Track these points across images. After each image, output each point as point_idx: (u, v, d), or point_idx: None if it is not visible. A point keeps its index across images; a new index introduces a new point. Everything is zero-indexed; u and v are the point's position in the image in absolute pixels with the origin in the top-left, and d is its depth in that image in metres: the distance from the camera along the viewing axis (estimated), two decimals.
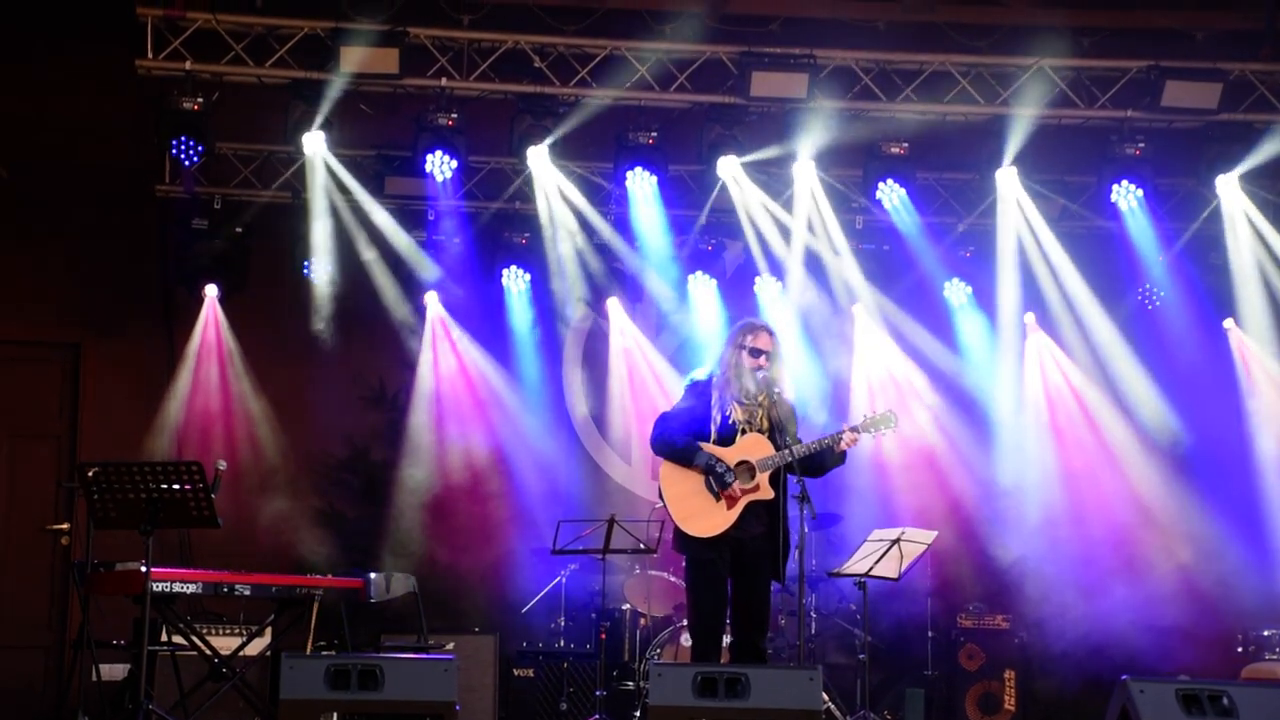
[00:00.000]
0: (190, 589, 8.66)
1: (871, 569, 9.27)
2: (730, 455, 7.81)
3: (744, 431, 7.86)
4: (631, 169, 11.23)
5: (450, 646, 10.40)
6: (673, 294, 12.13)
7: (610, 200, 11.81)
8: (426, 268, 11.71)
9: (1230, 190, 11.52)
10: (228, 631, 9.72)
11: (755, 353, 7.92)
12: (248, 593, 8.88)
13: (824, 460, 7.92)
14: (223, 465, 8.68)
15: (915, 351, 12.24)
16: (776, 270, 11.96)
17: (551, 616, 10.92)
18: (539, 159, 11.23)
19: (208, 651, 8.98)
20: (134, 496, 7.97)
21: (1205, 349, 12.02)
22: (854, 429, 7.92)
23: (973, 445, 12.06)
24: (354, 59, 10.50)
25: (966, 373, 12.20)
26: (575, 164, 11.53)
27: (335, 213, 11.52)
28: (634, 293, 12.22)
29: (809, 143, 11.25)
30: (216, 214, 11.40)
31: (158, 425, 11.30)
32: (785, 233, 11.78)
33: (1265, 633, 10.54)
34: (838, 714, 10.02)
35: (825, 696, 9.46)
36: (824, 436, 7.89)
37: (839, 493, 10.89)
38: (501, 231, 11.81)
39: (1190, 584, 11.52)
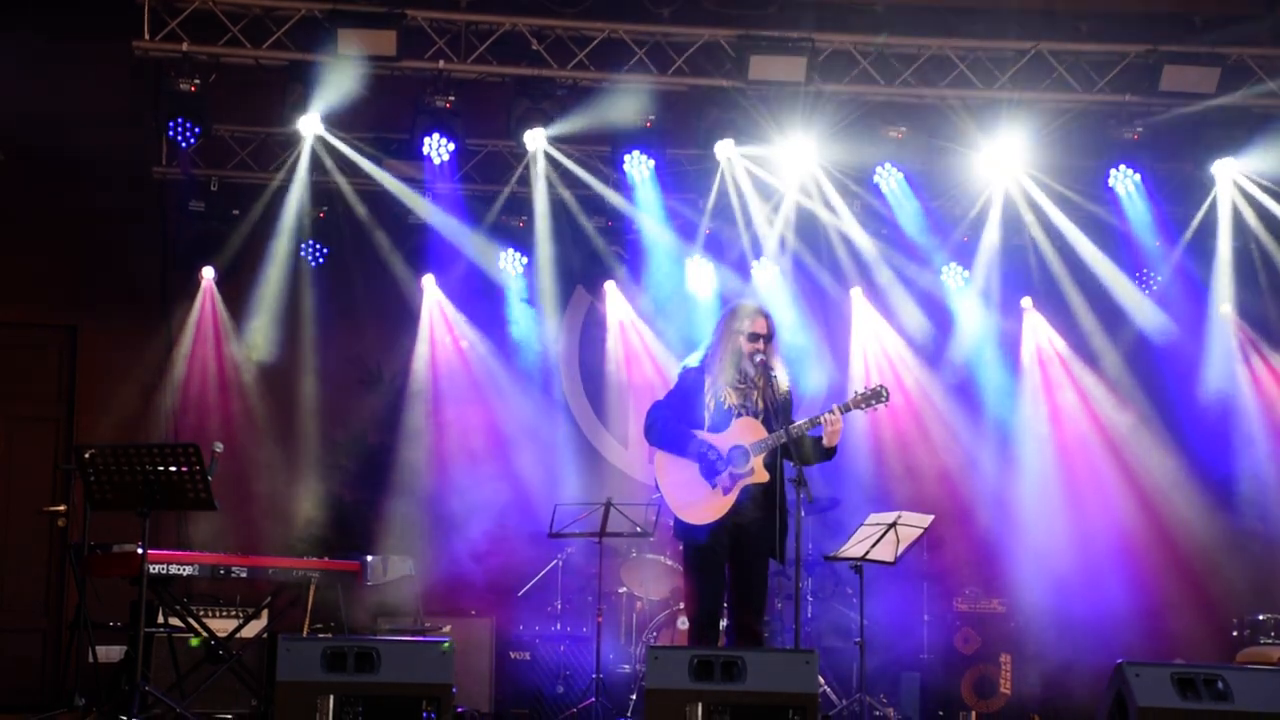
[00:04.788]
0: (187, 571, 8.68)
1: (868, 553, 9.27)
2: (724, 441, 7.80)
3: (739, 415, 7.86)
4: (629, 152, 11.23)
5: (447, 629, 10.42)
6: (671, 277, 12.15)
7: (608, 184, 11.79)
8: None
9: (1228, 174, 11.52)
10: (225, 614, 9.74)
11: (753, 337, 7.89)
12: (244, 575, 8.90)
13: (813, 447, 7.87)
14: (219, 448, 8.69)
15: (912, 335, 12.26)
16: (774, 254, 11.96)
17: (548, 600, 10.93)
18: (536, 142, 11.22)
19: (204, 633, 9.00)
20: (131, 478, 7.99)
21: (1203, 333, 12.04)
22: (844, 406, 7.89)
23: (969, 429, 12.08)
24: (351, 41, 10.48)
25: (963, 356, 12.21)
26: (572, 147, 11.50)
27: (332, 195, 11.52)
28: (632, 275, 12.21)
29: (807, 126, 11.24)
30: (213, 196, 11.39)
31: (154, 407, 11.31)
32: (783, 216, 11.77)
33: (1260, 617, 10.57)
34: (834, 697, 10.05)
35: (820, 680, 9.48)
36: (814, 415, 7.86)
37: (836, 476, 10.90)
38: (499, 214, 11.80)
39: (1186, 568, 11.55)
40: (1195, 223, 11.79)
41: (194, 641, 9.20)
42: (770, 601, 9.57)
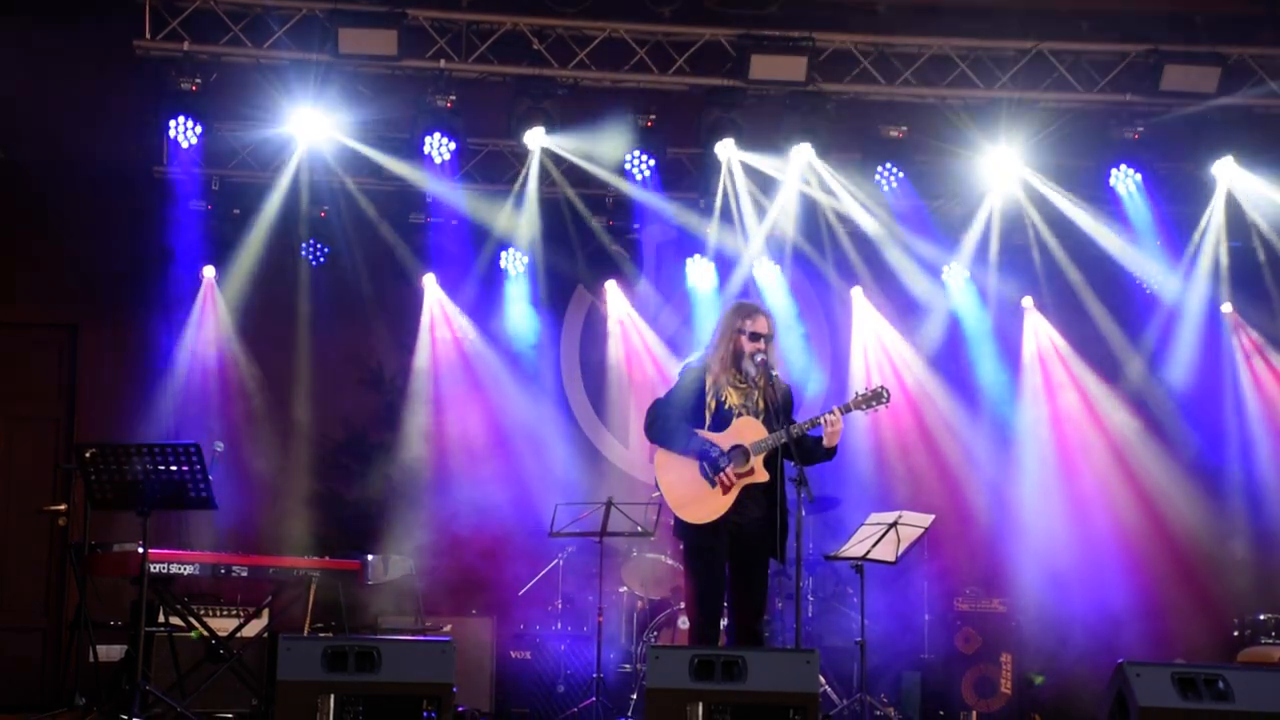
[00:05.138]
0: (188, 570, 8.69)
1: (869, 552, 9.27)
2: (724, 440, 7.80)
3: (740, 414, 7.85)
4: (630, 152, 11.23)
5: (447, 629, 10.42)
6: (671, 276, 12.17)
7: (608, 184, 11.77)
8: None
9: (1228, 174, 11.52)
10: (225, 613, 9.74)
11: (754, 336, 7.89)
12: (245, 574, 8.91)
13: (813, 448, 7.87)
14: (220, 447, 8.71)
15: (912, 335, 12.25)
16: (775, 253, 11.97)
17: (549, 599, 10.92)
18: (537, 141, 11.22)
19: (205, 633, 9.00)
20: (131, 478, 7.99)
21: (1202, 332, 12.04)
22: (845, 407, 7.88)
23: (969, 428, 12.07)
24: (352, 40, 10.49)
25: (963, 356, 12.21)
26: (574, 146, 11.49)
27: (333, 194, 11.52)
28: (633, 275, 12.20)
29: (809, 126, 11.25)
30: (214, 195, 11.38)
31: (155, 407, 11.30)
32: (784, 216, 11.77)
33: (1261, 617, 10.58)
34: (834, 697, 10.04)
35: (821, 680, 9.48)
36: (815, 416, 7.86)
37: (836, 476, 10.90)
38: (499, 213, 11.78)
39: (1187, 568, 11.55)
40: (1202, 225, 11.76)
41: (194, 635, 9.19)
42: (771, 601, 9.57)
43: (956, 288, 12.18)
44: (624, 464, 12.28)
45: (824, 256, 12.07)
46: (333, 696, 6.78)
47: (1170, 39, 11.20)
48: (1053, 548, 11.46)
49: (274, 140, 11.39)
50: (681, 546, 8.13)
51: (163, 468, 7.98)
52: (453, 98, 10.94)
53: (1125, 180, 11.44)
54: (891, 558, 9.28)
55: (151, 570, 8.24)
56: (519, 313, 12.05)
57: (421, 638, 9.58)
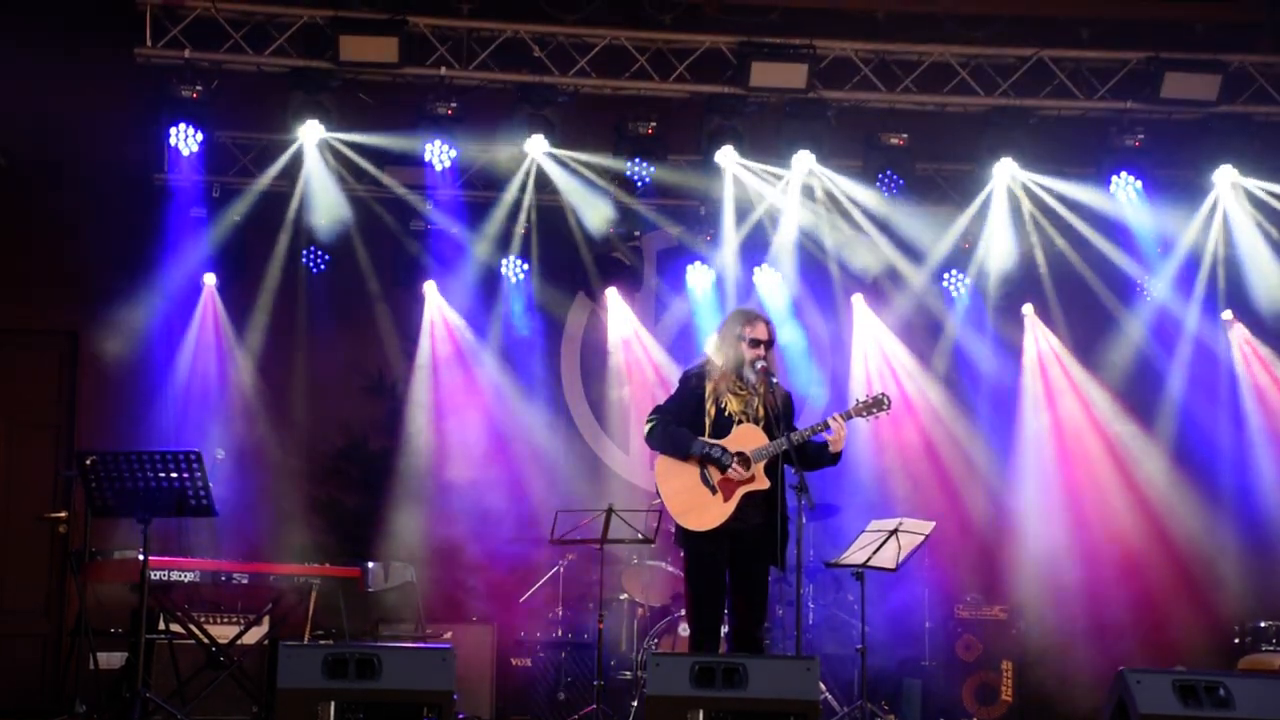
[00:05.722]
0: (188, 577, 8.69)
1: (869, 559, 9.25)
2: (725, 447, 7.80)
3: (740, 421, 7.85)
4: (631, 159, 11.24)
5: (448, 636, 10.42)
6: (672, 283, 12.19)
7: (609, 190, 11.78)
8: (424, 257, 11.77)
9: (1228, 181, 11.52)
10: (225, 620, 9.73)
11: (754, 343, 7.89)
12: (245, 581, 8.91)
13: (816, 454, 7.88)
14: (221, 454, 8.71)
15: (913, 342, 12.25)
16: (776, 259, 11.97)
17: (549, 606, 10.92)
18: (538, 148, 11.23)
19: (205, 640, 9.00)
20: (132, 485, 7.99)
21: (1203, 340, 12.04)
22: (846, 414, 7.88)
23: (970, 435, 12.07)
24: (353, 48, 10.51)
25: (964, 363, 12.21)
26: (574, 153, 11.51)
27: (333, 201, 11.52)
28: (633, 282, 12.21)
29: (808, 133, 11.26)
30: (215, 203, 11.38)
31: (155, 414, 11.29)
32: (785, 223, 11.77)
33: (1262, 624, 10.57)
34: (835, 704, 10.03)
35: (822, 687, 9.47)
36: (817, 423, 7.87)
37: (837, 483, 10.89)
38: (500, 221, 11.79)
39: (1187, 575, 11.55)
40: (1202, 233, 11.75)
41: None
42: (771, 608, 9.56)
43: (957, 294, 12.18)
44: (624, 471, 12.27)
45: (824, 263, 12.07)
46: (333, 704, 6.78)
47: (1170, 46, 11.22)
48: (1053, 555, 11.46)
49: (274, 147, 11.40)
50: (682, 554, 8.13)
51: (163, 475, 7.98)
52: (453, 105, 10.96)
53: (1125, 187, 11.45)
54: (892, 565, 9.26)
55: (152, 577, 8.23)
56: (520, 319, 12.05)
57: (422, 645, 9.58)
